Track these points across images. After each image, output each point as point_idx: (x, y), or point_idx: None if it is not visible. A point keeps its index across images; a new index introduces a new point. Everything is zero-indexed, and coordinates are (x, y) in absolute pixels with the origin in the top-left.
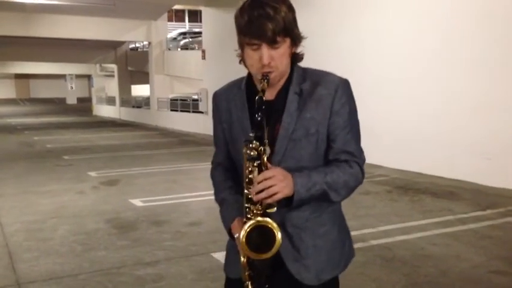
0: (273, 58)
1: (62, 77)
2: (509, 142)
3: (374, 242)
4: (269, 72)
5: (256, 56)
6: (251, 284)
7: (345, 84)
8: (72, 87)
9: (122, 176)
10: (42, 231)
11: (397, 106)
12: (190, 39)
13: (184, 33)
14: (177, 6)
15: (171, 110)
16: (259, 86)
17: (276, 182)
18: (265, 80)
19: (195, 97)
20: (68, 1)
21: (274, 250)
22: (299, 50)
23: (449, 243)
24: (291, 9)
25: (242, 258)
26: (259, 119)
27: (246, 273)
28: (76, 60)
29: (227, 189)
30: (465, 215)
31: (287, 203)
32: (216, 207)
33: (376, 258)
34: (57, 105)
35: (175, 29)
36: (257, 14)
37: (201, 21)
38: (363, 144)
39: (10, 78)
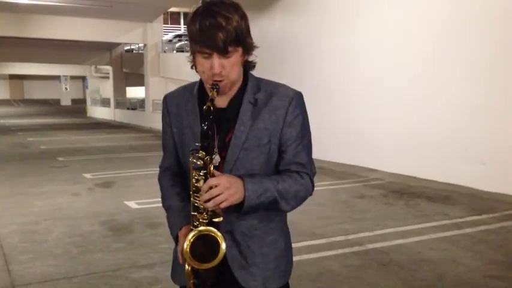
0: (224, 67)
1: (56, 78)
2: (504, 147)
3: (370, 246)
4: (220, 80)
5: (207, 64)
6: None
7: (298, 97)
8: (66, 89)
9: (117, 178)
10: (37, 233)
11: (392, 110)
12: (185, 42)
13: (179, 36)
14: (172, 9)
15: None
16: (209, 91)
17: (222, 190)
18: (215, 89)
19: None
20: (63, 2)
21: (218, 259)
22: (251, 58)
23: (446, 248)
24: (243, 18)
25: (186, 267)
26: (205, 128)
27: (191, 282)
28: (71, 61)
29: (175, 195)
30: (461, 220)
31: (236, 209)
32: None
33: (373, 262)
34: (52, 106)
35: (170, 32)
36: (208, 24)
37: None
38: (358, 147)
39: (4, 79)
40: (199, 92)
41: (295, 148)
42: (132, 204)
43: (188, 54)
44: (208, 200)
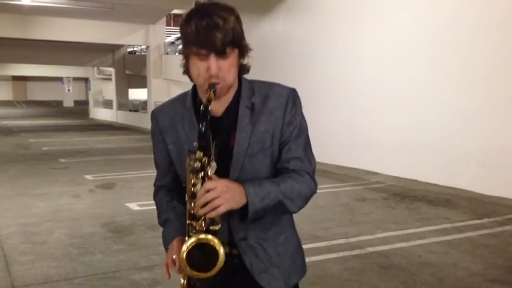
0: (221, 69)
1: (59, 79)
2: (506, 150)
3: (371, 249)
4: (216, 83)
5: (203, 66)
6: None
7: (293, 94)
8: (69, 90)
9: (118, 179)
10: (38, 234)
11: (394, 113)
12: None
13: None
14: (175, 11)
15: None
16: (203, 98)
17: (219, 194)
18: (212, 90)
19: None
20: (65, 4)
21: (217, 268)
22: (246, 61)
23: (447, 251)
24: (238, 20)
25: (182, 280)
26: (203, 129)
27: None
28: (74, 63)
29: (170, 209)
30: (462, 223)
31: (241, 217)
32: None
33: (373, 266)
34: (54, 107)
35: (173, 34)
36: (205, 24)
37: None
38: (359, 150)
39: (7, 80)
40: (194, 104)
41: (294, 144)
42: (134, 206)
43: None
44: (205, 205)
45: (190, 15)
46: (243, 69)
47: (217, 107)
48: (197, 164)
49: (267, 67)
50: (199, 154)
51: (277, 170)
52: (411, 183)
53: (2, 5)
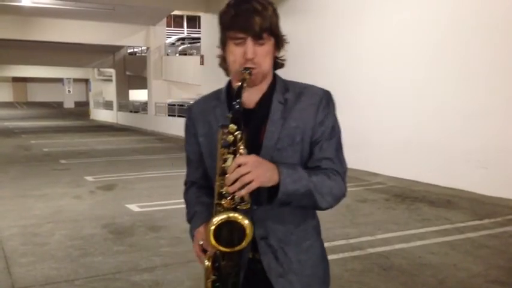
0: (257, 54)
1: (59, 80)
2: (506, 151)
3: (372, 250)
4: (252, 67)
5: (239, 51)
6: None
7: (328, 95)
8: (69, 91)
9: (119, 180)
10: (39, 235)
11: (395, 114)
12: (188, 45)
13: (182, 39)
14: (175, 12)
15: (169, 115)
16: (235, 85)
17: (251, 169)
18: (248, 72)
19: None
20: (66, 5)
21: (243, 244)
22: (281, 54)
23: (447, 252)
24: (275, 13)
25: (206, 262)
26: (237, 106)
27: (209, 280)
28: (74, 64)
29: (199, 203)
30: (462, 224)
31: (269, 199)
32: None
33: (374, 267)
34: (55, 109)
35: (173, 35)
36: (244, 8)
37: (199, 27)
38: (360, 151)
39: (7, 81)
40: (227, 96)
41: (325, 145)
42: (134, 207)
43: (191, 56)
44: (235, 181)
45: (229, 4)
46: (277, 62)
47: (250, 99)
48: (230, 138)
49: None
50: (231, 127)
51: (308, 169)
52: (412, 184)
53: (2, 6)
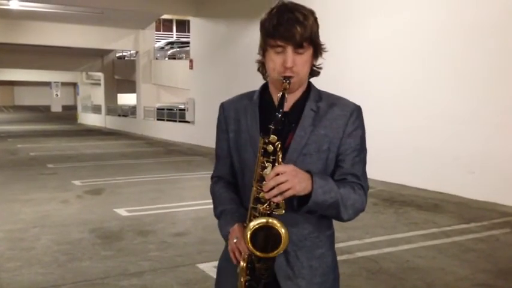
0: (296, 63)
1: (47, 84)
2: (494, 156)
3: (360, 254)
4: (291, 76)
5: (279, 60)
6: None
7: (359, 110)
8: (57, 95)
9: (107, 185)
10: (25, 240)
11: (384, 119)
12: (177, 49)
13: (171, 43)
14: (165, 16)
15: (158, 119)
16: (275, 95)
17: (289, 178)
18: (287, 81)
19: (182, 106)
20: (54, 8)
21: (279, 250)
22: (318, 63)
23: (435, 256)
24: (316, 22)
25: (242, 263)
26: (279, 115)
27: (243, 280)
28: (62, 67)
29: (228, 200)
30: (449, 228)
31: (298, 205)
32: (202, 217)
33: (362, 271)
34: (42, 112)
35: (163, 39)
36: (287, 18)
37: (188, 31)
38: None
39: None
40: (260, 98)
41: (353, 159)
42: (122, 212)
43: (180, 60)
44: (273, 188)
45: (272, 11)
46: (314, 70)
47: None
48: (270, 147)
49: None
50: (273, 137)
51: (335, 181)
52: (400, 188)
53: None
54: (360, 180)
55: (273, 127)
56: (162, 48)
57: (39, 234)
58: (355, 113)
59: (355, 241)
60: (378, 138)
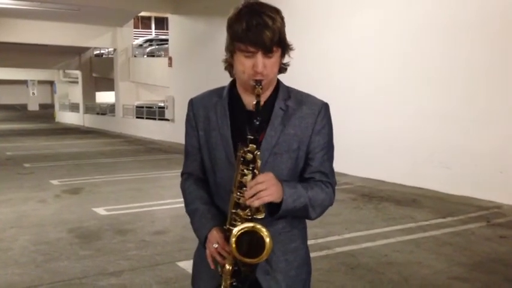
0: (266, 66)
1: (23, 82)
2: (468, 152)
3: (339, 250)
4: (261, 80)
5: (249, 63)
6: None
7: (326, 107)
8: (34, 94)
9: (85, 184)
10: (2, 241)
11: (362, 116)
12: (156, 46)
13: (150, 40)
14: (143, 13)
15: (137, 117)
16: (244, 95)
17: (268, 186)
18: (259, 86)
19: (161, 104)
20: (31, 6)
21: (264, 256)
22: (286, 61)
23: (412, 250)
24: (283, 21)
25: (227, 267)
26: (257, 123)
27: (228, 282)
28: (39, 66)
29: (198, 199)
30: (426, 222)
31: (270, 213)
32: (182, 216)
33: (341, 266)
34: (19, 111)
35: (141, 36)
36: (256, 23)
37: (167, 29)
38: None
39: None
40: (229, 95)
41: (322, 157)
42: (101, 211)
43: (159, 58)
44: (253, 196)
45: (240, 13)
46: (281, 68)
47: (252, 102)
48: (249, 156)
49: None
50: (252, 146)
51: (303, 179)
52: (379, 184)
53: None
54: (328, 178)
55: (251, 137)
56: (141, 45)
57: (16, 235)
58: (323, 110)
59: (334, 236)
60: (357, 135)
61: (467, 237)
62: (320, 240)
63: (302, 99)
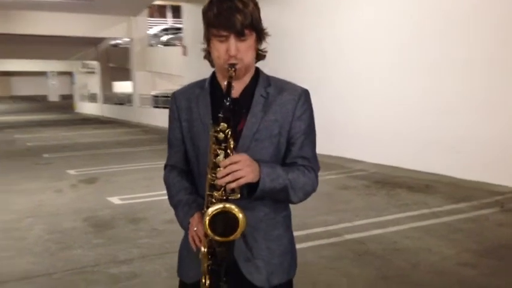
0: (239, 50)
1: (43, 74)
2: (482, 138)
3: (348, 237)
4: (235, 63)
5: (223, 48)
6: (209, 277)
7: (306, 93)
8: (54, 85)
9: (101, 173)
10: (18, 230)
11: (376, 104)
12: (172, 35)
13: (166, 29)
14: (159, 2)
15: (154, 107)
16: (222, 82)
17: (243, 167)
18: (233, 69)
19: None
20: None
21: (237, 234)
22: (263, 46)
23: (422, 237)
24: (257, 6)
25: (203, 249)
26: (227, 103)
27: (206, 265)
28: (57, 57)
29: (182, 190)
30: (440, 208)
31: (248, 194)
32: None
33: (349, 253)
34: (39, 102)
35: (157, 25)
36: (226, 7)
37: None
38: (343, 140)
39: None
40: (211, 85)
41: (302, 142)
42: (115, 200)
43: (174, 47)
44: (226, 176)
45: (212, 1)
46: (259, 54)
47: (234, 90)
48: (221, 135)
49: None
50: (223, 125)
51: (286, 165)
52: (393, 170)
53: None
54: (310, 163)
55: (222, 115)
56: (156, 34)
57: (32, 224)
58: (303, 96)
59: (345, 223)
60: (371, 122)
61: (481, 223)
62: (330, 227)
63: (282, 86)
